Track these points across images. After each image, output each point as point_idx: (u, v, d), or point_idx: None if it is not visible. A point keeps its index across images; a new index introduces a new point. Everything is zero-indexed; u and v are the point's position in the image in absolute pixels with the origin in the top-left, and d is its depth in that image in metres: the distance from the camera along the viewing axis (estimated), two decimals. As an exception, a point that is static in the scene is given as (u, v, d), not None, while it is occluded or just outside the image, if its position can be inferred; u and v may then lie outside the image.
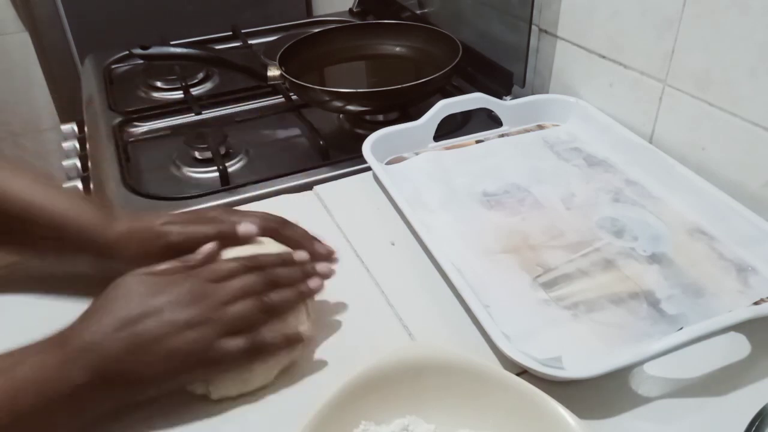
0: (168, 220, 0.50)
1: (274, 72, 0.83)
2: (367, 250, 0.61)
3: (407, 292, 0.56)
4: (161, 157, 0.80)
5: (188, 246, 0.48)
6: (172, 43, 0.97)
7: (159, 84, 0.98)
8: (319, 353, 0.50)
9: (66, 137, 0.98)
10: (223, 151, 0.78)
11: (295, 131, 0.86)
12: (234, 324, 0.44)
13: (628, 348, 0.46)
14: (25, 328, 0.42)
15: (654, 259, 0.57)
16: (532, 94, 0.85)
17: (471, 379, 0.42)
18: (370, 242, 0.61)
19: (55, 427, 0.40)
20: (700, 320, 0.47)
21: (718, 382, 0.47)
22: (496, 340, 0.46)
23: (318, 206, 0.67)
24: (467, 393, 0.43)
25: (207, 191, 0.71)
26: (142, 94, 0.98)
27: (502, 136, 0.77)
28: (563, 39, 0.81)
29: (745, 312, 0.48)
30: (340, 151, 0.78)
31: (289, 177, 0.73)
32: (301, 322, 0.48)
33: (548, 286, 0.54)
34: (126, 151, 0.82)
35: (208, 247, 0.47)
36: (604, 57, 0.75)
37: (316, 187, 0.70)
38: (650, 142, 0.71)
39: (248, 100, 0.94)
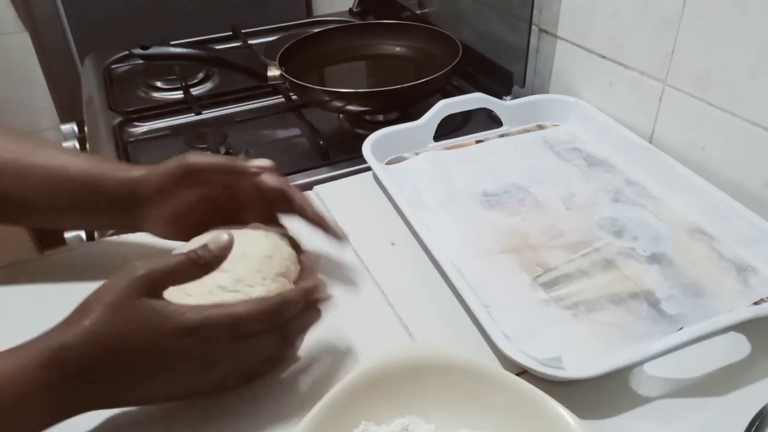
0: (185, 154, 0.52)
1: (274, 72, 0.83)
2: (367, 250, 0.61)
3: (407, 292, 0.56)
4: (161, 157, 0.78)
5: (206, 174, 0.51)
6: (172, 43, 0.97)
7: (159, 84, 0.98)
8: (319, 353, 0.50)
9: (66, 137, 0.98)
10: (223, 151, 0.78)
11: (295, 131, 0.86)
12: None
13: (628, 348, 0.46)
14: (24, 327, 0.42)
15: (654, 259, 0.57)
16: (532, 94, 0.85)
17: (471, 379, 0.42)
18: (370, 242, 0.61)
19: (34, 421, 0.39)
20: (700, 320, 0.47)
21: (718, 382, 0.47)
22: (496, 340, 0.46)
23: (318, 206, 0.67)
24: (467, 393, 0.43)
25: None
26: (142, 94, 0.98)
27: (502, 136, 0.77)
28: (563, 39, 0.81)
29: (745, 312, 0.48)
30: (340, 151, 0.78)
31: (289, 177, 0.73)
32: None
33: (548, 286, 0.54)
34: (126, 151, 0.82)
35: (223, 240, 0.44)
36: (604, 57, 0.75)
37: (316, 187, 0.70)
38: (650, 142, 0.71)
39: (248, 100, 0.93)
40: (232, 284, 0.45)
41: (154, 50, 0.82)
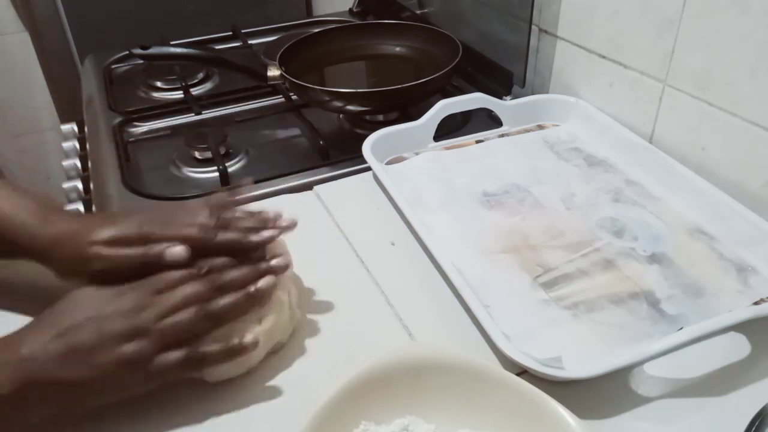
0: (98, 238, 0.45)
1: (274, 72, 0.83)
2: (367, 250, 0.61)
3: (407, 292, 0.56)
4: (161, 157, 0.80)
5: (112, 272, 0.45)
6: (172, 43, 0.97)
7: (159, 84, 0.98)
8: (319, 353, 0.50)
9: (66, 137, 0.98)
10: (223, 151, 0.78)
11: (295, 131, 0.86)
12: (173, 335, 0.42)
13: (628, 348, 0.46)
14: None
15: (654, 259, 0.57)
16: (532, 94, 0.85)
17: (471, 379, 0.42)
18: (370, 242, 0.61)
19: None
20: (700, 320, 0.47)
21: (718, 382, 0.47)
22: (496, 340, 0.46)
23: (318, 206, 0.67)
24: (467, 393, 0.43)
25: (207, 191, 0.70)
26: (142, 94, 0.98)
27: (502, 136, 0.77)
28: (563, 39, 0.81)
29: (745, 312, 0.48)
30: (340, 151, 0.78)
31: (289, 177, 0.73)
32: (254, 323, 0.46)
33: (548, 286, 0.54)
34: (126, 151, 0.82)
35: (178, 252, 0.44)
36: (604, 57, 0.75)
37: (316, 187, 0.70)
38: (650, 142, 0.71)
39: (248, 100, 0.94)
40: None
41: (154, 50, 0.82)
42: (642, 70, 0.71)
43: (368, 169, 0.70)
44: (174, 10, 1.38)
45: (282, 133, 0.87)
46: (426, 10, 1.08)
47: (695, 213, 0.62)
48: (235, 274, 0.46)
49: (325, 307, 0.54)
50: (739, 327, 0.48)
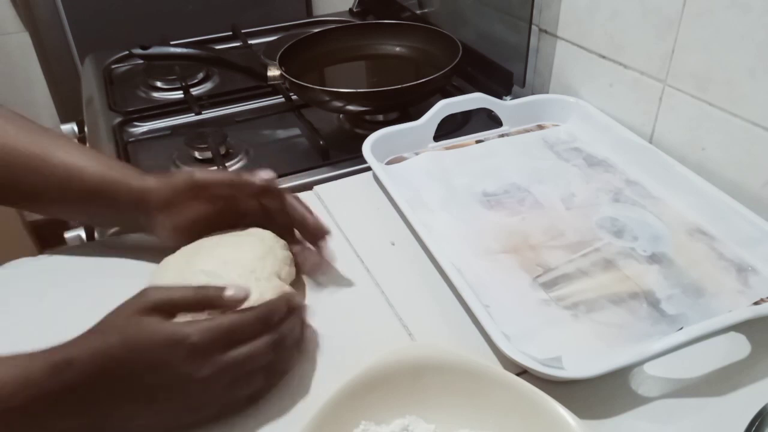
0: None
1: (274, 72, 0.83)
2: (367, 250, 0.60)
3: (407, 292, 0.56)
4: (161, 157, 0.80)
5: (212, 189, 0.53)
6: (172, 43, 0.97)
7: (159, 84, 0.98)
8: (319, 353, 0.50)
9: (66, 137, 0.98)
10: (223, 151, 0.78)
11: (295, 131, 0.86)
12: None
13: (628, 348, 0.46)
14: (24, 326, 0.42)
15: (654, 259, 0.57)
16: (532, 94, 0.85)
17: (471, 379, 0.42)
18: (370, 242, 0.61)
19: (35, 427, 0.39)
20: (700, 320, 0.47)
21: (718, 382, 0.47)
22: (496, 340, 0.46)
23: (318, 206, 0.67)
24: (467, 393, 0.43)
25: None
26: (142, 94, 0.98)
27: (502, 136, 0.77)
28: (563, 39, 0.81)
29: (745, 312, 0.48)
30: (340, 151, 0.78)
31: (289, 177, 0.73)
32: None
33: (548, 286, 0.54)
34: (126, 151, 0.82)
35: (239, 295, 0.45)
36: (604, 57, 0.75)
37: (316, 187, 0.70)
38: (650, 142, 0.71)
39: (248, 100, 0.94)
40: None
41: (154, 50, 0.82)
42: (642, 70, 0.71)
43: (368, 169, 0.70)
44: (174, 10, 1.38)
45: (282, 133, 0.87)
46: (426, 10, 1.08)
47: (695, 213, 0.62)
48: (289, 328, 0.46)
49: (325, 307, 0.54)
50: (739, 327, 0.48)
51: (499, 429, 0.42)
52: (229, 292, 0.44)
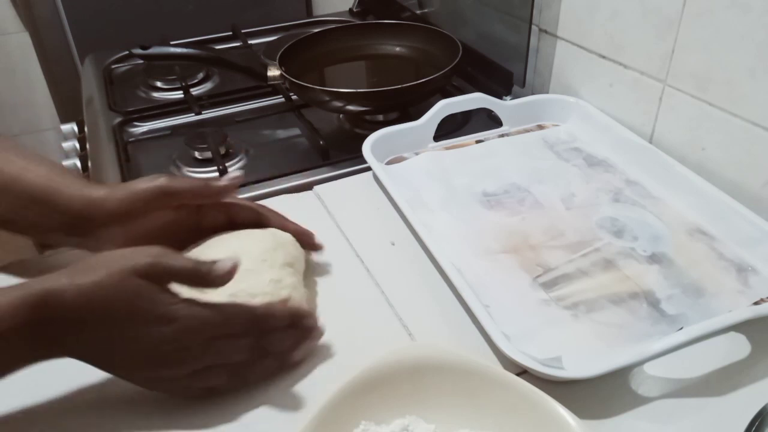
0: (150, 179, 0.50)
1: (274, 72, 0.83)
2: (367, 250, 0.61)
3: (407, 292, 0.56)
4: (161, 157, 0.80)
5: (181, 197, 0.50)
6: (172, 43, 0.97)
7: (159, 84, 0.98)
8: (319, 353, 0.50)
9: (66, 137, 0.98)
10: (223, 151, 0.78)
11: (295, 131, 0.86)
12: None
13: (628, 348, 0.46)
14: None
15: (654, 259, 0.57)
16: (532, 94, 0.85)
17: (471, 379, 0.42)
18: (370, 242, 0.61)
19: (15, 355, 0.40)
20: (700, 320, 0.47)
21: (718, 382, 0.47)
22: (496, 340, 0.46)
23: (318, 206, 0.67)
24: (467, 393, 0.43)
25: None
26: (142, 94, 0.98)
27: (502, 136, 0.77)
28: (563, 39, 0.81)
29: (745, 312, 0.48)
30: (340, 151, 0.78)
31: (289, 177, 0.73)
32: None
33: (548, 286, 0.54)
34: (126, 151, 0.82)
35: (229, 265, 0.44)
36: (604, 57, 0.75)
37: (316, 187, 0.70)
38: (650, 142, 0.71)
39: (248, 100, 0.94)
40: (240, 274, 0.45)
41: (154, 50, 0.82)
42: (642, 70, 0.71)
43: (368, 169, 0.70)
44: (174, 10, 1.38)
45: (282, 133, 0.87)
46: (426, 10, 1.08)
47: (695, 213, 0.62)
48: (278, 339, 0.46)
49: (325, 307, 0.54)
50: (739, 327, 0.48)
51: (499, 429, 0.42)
52: (220, 266, 0.43)
